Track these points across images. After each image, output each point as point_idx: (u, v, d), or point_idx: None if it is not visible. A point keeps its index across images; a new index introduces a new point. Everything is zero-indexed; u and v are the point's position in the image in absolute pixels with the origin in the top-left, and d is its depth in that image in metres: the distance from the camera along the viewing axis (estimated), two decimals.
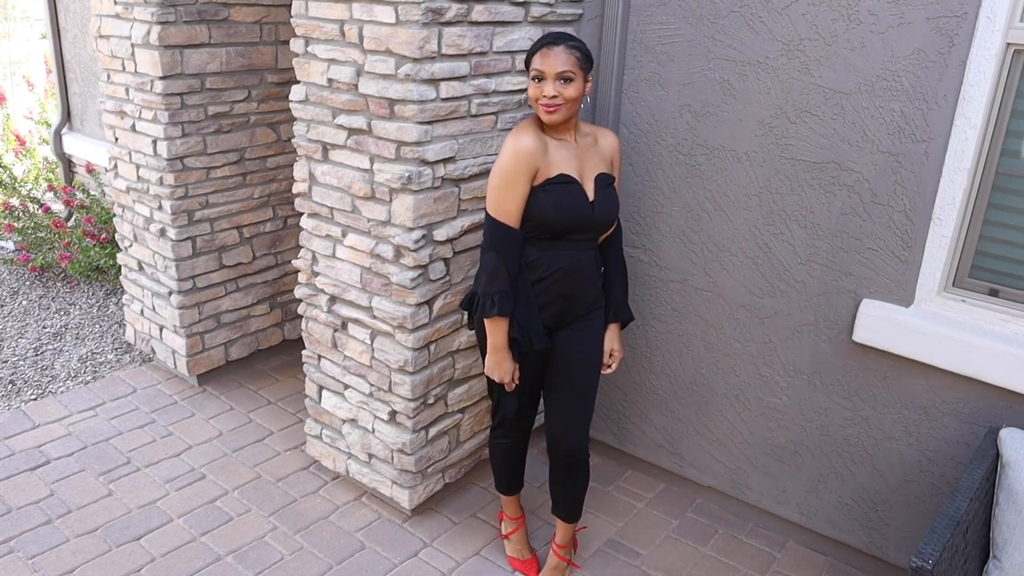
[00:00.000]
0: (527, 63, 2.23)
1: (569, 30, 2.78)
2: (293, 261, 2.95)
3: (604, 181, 2.30)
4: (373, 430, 2.83)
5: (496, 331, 2.28)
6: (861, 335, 2.48)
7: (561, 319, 2.36)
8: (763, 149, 2.57)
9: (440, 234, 2.55)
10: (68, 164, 5.45)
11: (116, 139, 3.54)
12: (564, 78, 2.16)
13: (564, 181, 2.23)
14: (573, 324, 2.39)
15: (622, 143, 2.34)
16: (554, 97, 2.16)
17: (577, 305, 2.36)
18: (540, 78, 2.18)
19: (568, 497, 2.54)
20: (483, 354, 2.36)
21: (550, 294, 2.31)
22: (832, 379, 2.63)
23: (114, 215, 3.79)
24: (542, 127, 2.25)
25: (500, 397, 2.47)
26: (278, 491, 3.02)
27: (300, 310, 2.95)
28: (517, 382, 2.38)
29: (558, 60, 2.15)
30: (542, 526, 2.90)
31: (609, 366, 2.54)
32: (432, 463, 2.85)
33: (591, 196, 2.27)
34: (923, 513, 2.55)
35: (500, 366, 2.31)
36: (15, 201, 5.03)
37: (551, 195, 2.21)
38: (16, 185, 5.16)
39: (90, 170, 5.21)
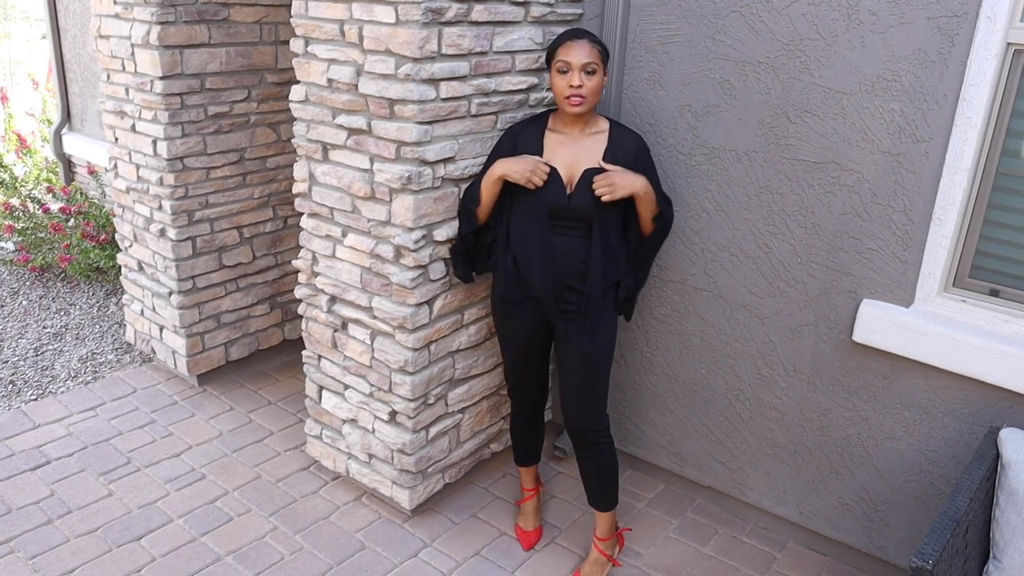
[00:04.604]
0: (550, 57, 2.32)
1: None
2: (293, 261, 2.95)
3: (592, 175, 2.36)
4: (373, 430, 2.83)
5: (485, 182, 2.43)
6: (861, 335, 2.48)
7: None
8: (763, 149, 2.57)
9: (440, 234, 2.55)
10: (68, 164, 5.45)
11: (116, 139, 3.53)
12: (588, 70, 2.26)
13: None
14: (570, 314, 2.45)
15: (645, 143, 2.44)
16: (579, 87, 2.25)
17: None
18: (566, 70, 2.27)
19: (590, 482, 2.61)
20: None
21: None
22: (832, 379, 2.62)
23: (113, 216, 3.78)
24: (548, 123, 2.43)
25: (508, 369, 2.66)
26: (278, 491, 3.02)
27: (300, 310, 2.95)
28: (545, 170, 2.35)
29: (583, 52, 2.25)
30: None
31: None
32: (432, 463, 2.85)
33: (570, 188, 2.37)
34: (923, 513, 2.55)
35: (512, 167, 2.35)
36: (15, 201, 5.03)
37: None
38: (17, 185, 5.16)
39: (91, 171, 5.21)
